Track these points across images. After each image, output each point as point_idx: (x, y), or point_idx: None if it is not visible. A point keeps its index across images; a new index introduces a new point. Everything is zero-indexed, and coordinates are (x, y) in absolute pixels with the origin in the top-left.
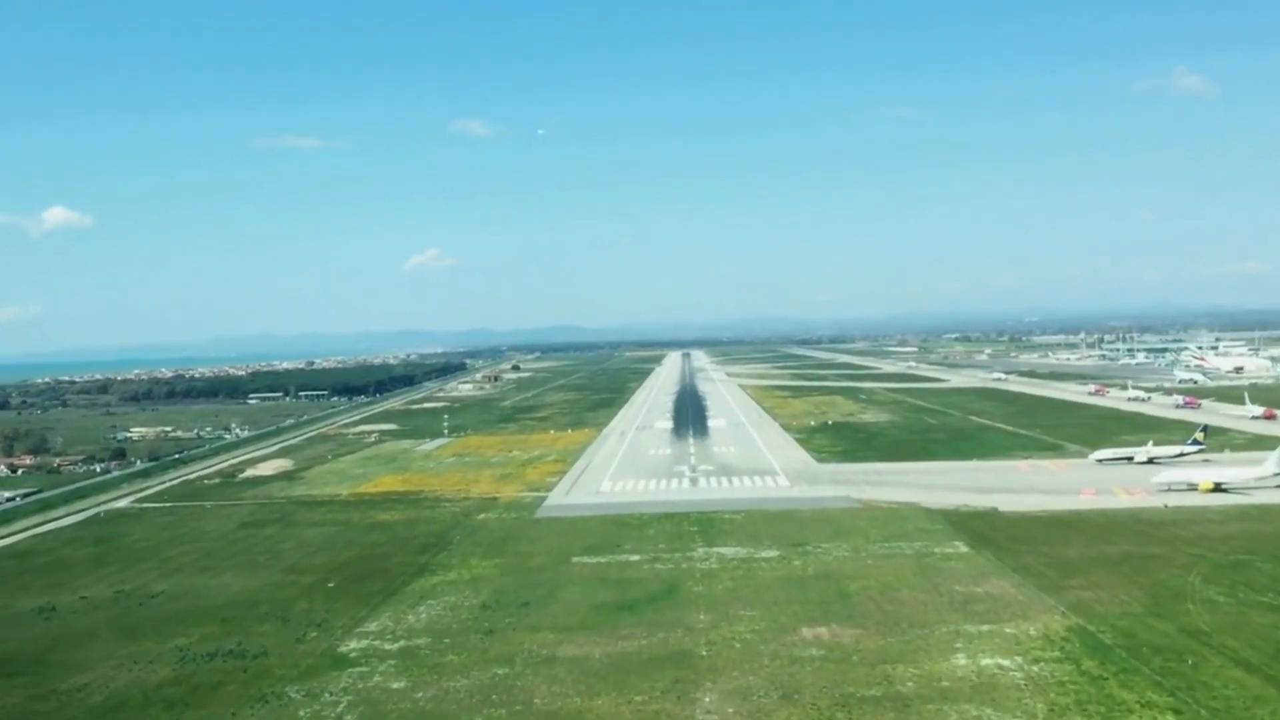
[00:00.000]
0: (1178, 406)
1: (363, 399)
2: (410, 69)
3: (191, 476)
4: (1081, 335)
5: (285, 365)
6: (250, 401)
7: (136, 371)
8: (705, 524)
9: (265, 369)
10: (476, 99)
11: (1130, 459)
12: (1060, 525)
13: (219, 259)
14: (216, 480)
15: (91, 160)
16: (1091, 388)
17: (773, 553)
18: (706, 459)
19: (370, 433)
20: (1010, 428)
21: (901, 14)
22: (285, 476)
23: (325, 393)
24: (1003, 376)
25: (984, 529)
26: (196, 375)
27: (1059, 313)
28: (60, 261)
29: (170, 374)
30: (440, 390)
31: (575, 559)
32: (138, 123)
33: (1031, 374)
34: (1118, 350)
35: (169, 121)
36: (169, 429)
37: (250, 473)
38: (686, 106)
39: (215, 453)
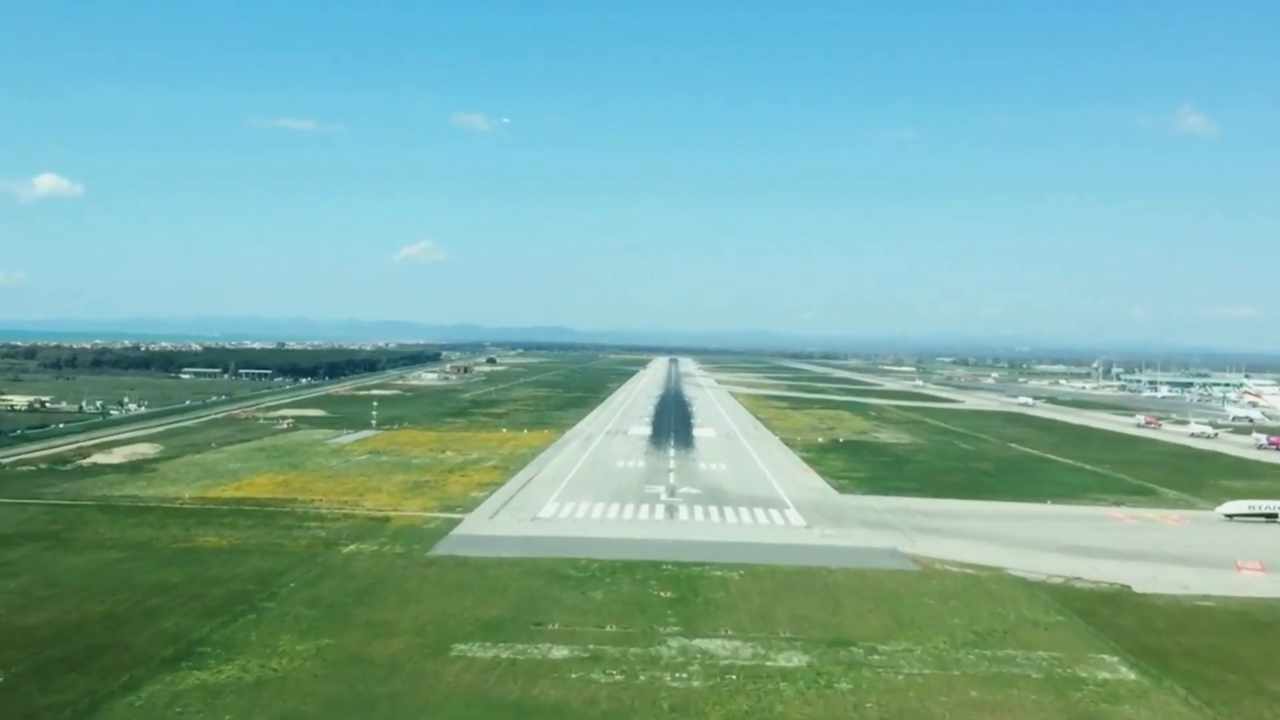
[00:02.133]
0: (1260, 448)
1: (308, 381)
2: (413, 57)
3: (9, 460)
4: (1095, 364)
5: (253, 345)
6: (183, 376)
7: (95, 342)
8: (685, 586)
9: (229, 347)
10: (478, 93)
11: (1274, 517)
12: (1260, 631)
13: (209, 237)
14: (39, 466)
15: (84, 130)
16: (1140, 419)
17: (798, 659)
18: (690, 478)
19: (286, 418)
20: (1068, 460)
21: (905, 39)
22: (132, 468)
23: (269, 372)
24: (1029, 401)
25: (1136, 629)
26: (143, 349)
27: (1047, 344)
28: (49, 230)
29: (127, 345)
30: (401, 378)
31: (458, 648)
32: (132, 94)
33: (1053, 400)
34: (1138, 383)
35: (164, 95)
36: (48, 399)
37: (94, 459)
38: (686, 117)
39: (76, 431)
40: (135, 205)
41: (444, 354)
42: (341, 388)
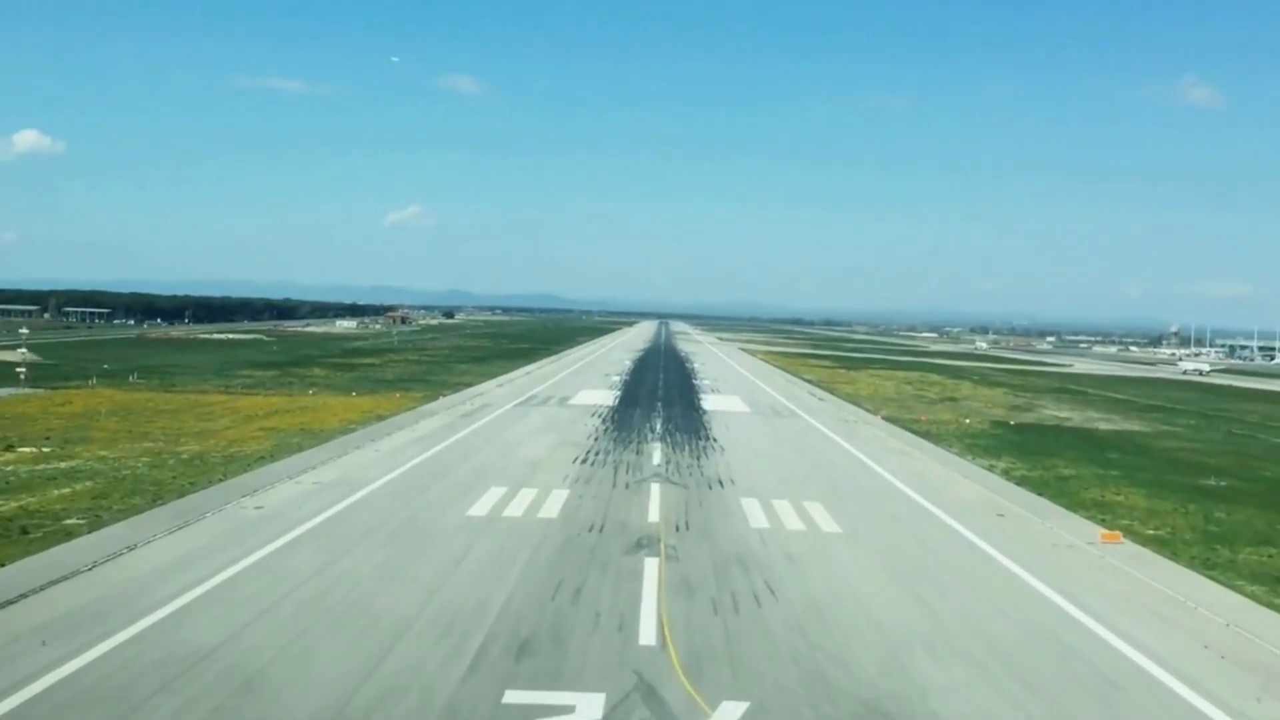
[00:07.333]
0: None
1: (160, 323)
2: (400, 15)
3: None
4: (1174, 329)
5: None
6: None
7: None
8: None
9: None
10: (466, 54)
11: None
12: None
13: (196, 200)
14: None
15: (65, 86)
16: None
17: None
18: (721, 611)
19: None
20: None
21: (899, 3)
22: None
23: (105, 312)
24: (1204, 368)
25: None
26: None
27: (1043, 318)
28: (30, 187)
29: None
30: (305, 326)
31: None
32: (115, 50)
33: (1196, 368)
34: (1245, 349)
35: (148, 51)
36: None
37: None
38: (677, 81)
39: None
40: (119, 165)
41: (402, 308)
42: (180, 331)
